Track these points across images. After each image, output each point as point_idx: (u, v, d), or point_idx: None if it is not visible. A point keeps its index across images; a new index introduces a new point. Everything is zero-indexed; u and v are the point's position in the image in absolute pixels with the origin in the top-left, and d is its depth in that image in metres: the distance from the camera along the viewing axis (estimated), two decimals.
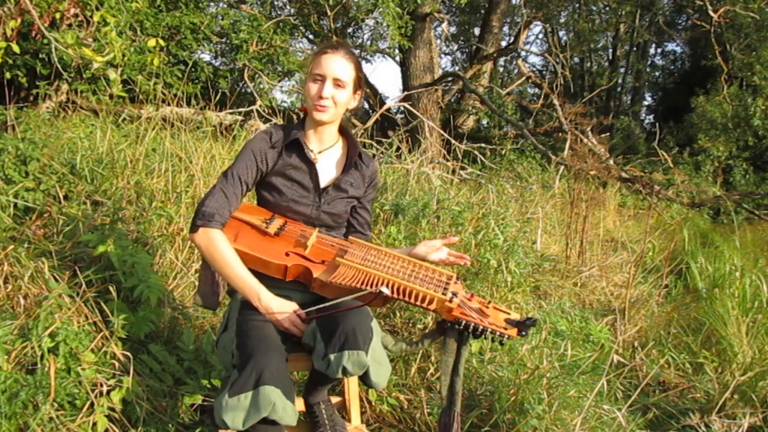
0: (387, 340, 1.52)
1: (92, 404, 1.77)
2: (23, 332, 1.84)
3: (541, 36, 17.17)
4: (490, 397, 2.14)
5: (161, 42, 3.37)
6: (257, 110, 5.55)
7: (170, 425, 1.88)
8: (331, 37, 6.74)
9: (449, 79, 8.68)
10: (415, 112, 6.30)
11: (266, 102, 5.90)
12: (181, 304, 2.49)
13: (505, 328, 1.42)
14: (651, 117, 17.83)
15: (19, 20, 3.04)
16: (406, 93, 6.94)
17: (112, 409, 1.80)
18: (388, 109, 7.81)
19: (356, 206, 1.74)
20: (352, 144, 1.70)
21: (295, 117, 5.98)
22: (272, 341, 1.41)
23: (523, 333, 1.42)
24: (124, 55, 3.48)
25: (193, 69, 5.90)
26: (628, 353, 2.94)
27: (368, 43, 8.92)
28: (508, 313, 1.48)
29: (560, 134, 7.23)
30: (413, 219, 3.18)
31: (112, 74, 3.00)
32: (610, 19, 13.38)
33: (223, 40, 6.72)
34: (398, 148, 4.70)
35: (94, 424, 1.74)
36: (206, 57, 7.01)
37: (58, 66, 3.61)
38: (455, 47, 15.86)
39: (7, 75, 4.57)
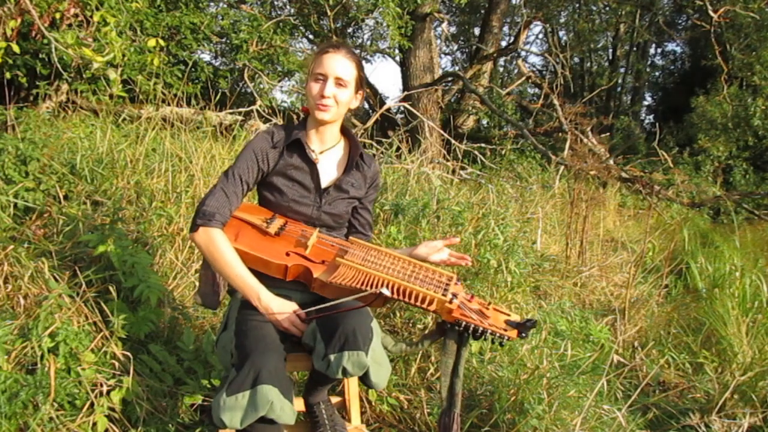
0: (387, 340, 1.52)
1: (92, 404, 1.77)
2: (23, 332, 1.84)
3: (541, 36, 17.20)
4: (490, 397, 2.14)
5: (161, 42, 3.37)
6: (257, 110, 5.55)
7: (170, 425, 1.88)
8: (331, 37, 6.74)
9: (449, 79, 8.68)
10: (415, 112, 6.30)
11: (266, 102, 5.90)
12: (181, 304, 2.49)
13: (505, 330, 1.41)
14: (651, 117, 17.85)
15: (19, 20, 3.04)
16: (406, 93, 6.94)
17: (112, 409, 1.80)
18: (388, 109, 7.81)
19: (357, 207, 1.74)
20: (354, 144, 1.69)
21: (295, 117, 5.98)
22: (270, 341, 1.41)
23: (523, 335, 1.42)
24: (124, 55, 3.48)
25: (193, 69, 5.90)
26: (628, 353, 2.94)
27: (368, 43, 8.92)
28: (509, 315, 1.48)
29: (560, 134, 7.23)
30: (413, 219, 3.18)
31: (112, 74, 3.00)
32: (610, 19, 13.38)
33: (223, 40, 6.73)
34: (398, 148, 4.70)
35: (94, 424, 1.74)
36: (206, 57, 7.02)
37: (58, 66, 3.60)
38: (455, 47, 15.87)
39: (7, 75, 4.57)
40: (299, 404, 1.81)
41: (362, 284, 1.42)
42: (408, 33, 6.73)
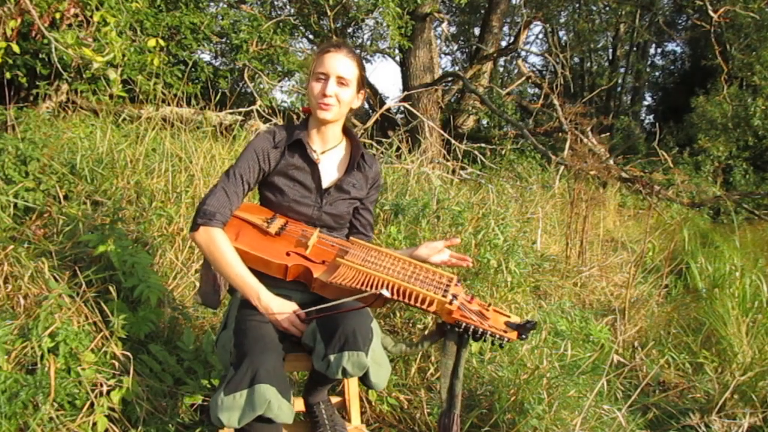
0: (387, 341, 1.52)
1: (92, 404, 1.77)
2: (23, 332, 1.84)
3: (541, 36, 17.20)
4: (490, 397, 2.14)
5: (161, 42, 3.37)
6: (257, 110, 5.55)
7: (170, 425, 1.88)
8: (331, 37, 6.74)
9: (449, 79, 8.68)
10: (415, 112, 6.30)
11: (266, 102, 5.90)
12: (181, 304, 2.49)
13: (505, 331, 1.41)
14: (651, 117, 17.85)
15: (19, 20, 3.04)
16: (406, 93, 6.94)
17: (112, 409, 1.80)
18: (388, 109, 7.81)
19: (358, 207, 1.73)
20: (356, 145, 1.68)
21: (295, 117, 5.98)
22: (269, 340, 1.41)
23: (523, 336, 1.42)
24: (124, 55, 3.48)
25: (193, 69, 5.90)
26: (628, 353, 2.94)
27: (368, 43, 8.92)
28: (509, 316, 1.48)
29: (560, 134, 7.23)
30: (413, 219, 3.18)
31: (112, 74, 3.00)
32: (610, 19, 13.38)
33: (223, 40, 6.73)
34: (398, 148, 4.71)
35: (94, 424, 1.74)
36: (206, 57, 7.02)
37: (58, 66, 3.60)
38: (455, 47, 15.87)
39: (7, 75, 4.57)
40: (299, 404, 1.81)
41: (362, 285, 1.42)
42: (408, 33, 6.73)
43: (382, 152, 4.67)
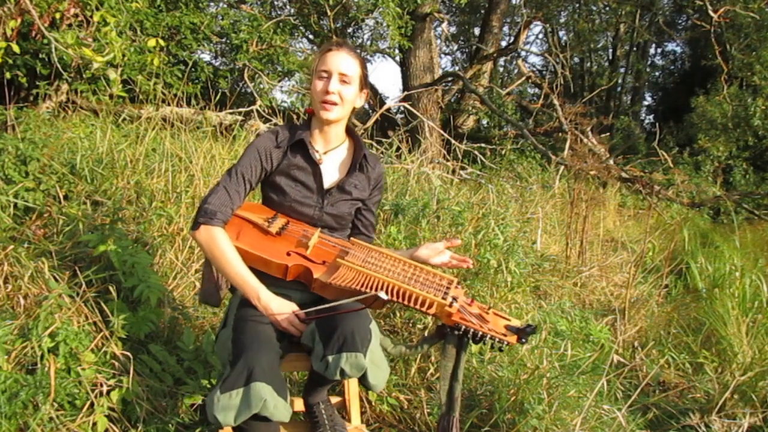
0: (386, 342, 1.52)
1: (92, 404, 1.77)
2: (23, 332, 1.84)
3: (541, 36, 17.20)
4: (490, 397, 2.14)
5: (161, 42, 3.37)
6: (257, 110, 5.55)
7: (170, 425, 1.88)
8: (331, 37, 6.74)
9: (449, 79, 8.68)
10: (415, 112, 6.30)
11: (266, 102, 5.90)
12: (181, 304, 2.49)
13: (505, 335, 1.41)
14: (651, 117, 17.86)
15: (19, 20, 3.03)
16: (406, 93, 6.94)
17: (112, 409, 1.80)
18: (388, 109, 7.81)
19: (361, 208, 1.73)
20: (359, 145, 1.68)
21: (295, 117, 5.98)
22: (266, 339, 1.41)
23: (523, 340, 1.42)
24: (124, 55, 3.48)
25: (193, 69, 5.90)
26: (628, 353, 2.94)
27: (368, 43, 8.92)
28: (509, 320, 1.48)
29: (560, 134, 7.23)
30: (413, 219, 3.18)
31: (112, 74, 3.00)
32: (610, 19, 13.38)
33: (223, 40, 6.72)
34: (398, 148, 4.71)
35: (94, 424, 1.74)
36: (206, 57, 7.02)
37: (58, 66, 3.60)
38: (455, 47, 15.87)
39: (7, 75, 4.57)
40: (299, 404, 1.81)
41: (362, 286, 1.42)
42: (408, 33, 6.73)
43: (382, 152, 4.67)
